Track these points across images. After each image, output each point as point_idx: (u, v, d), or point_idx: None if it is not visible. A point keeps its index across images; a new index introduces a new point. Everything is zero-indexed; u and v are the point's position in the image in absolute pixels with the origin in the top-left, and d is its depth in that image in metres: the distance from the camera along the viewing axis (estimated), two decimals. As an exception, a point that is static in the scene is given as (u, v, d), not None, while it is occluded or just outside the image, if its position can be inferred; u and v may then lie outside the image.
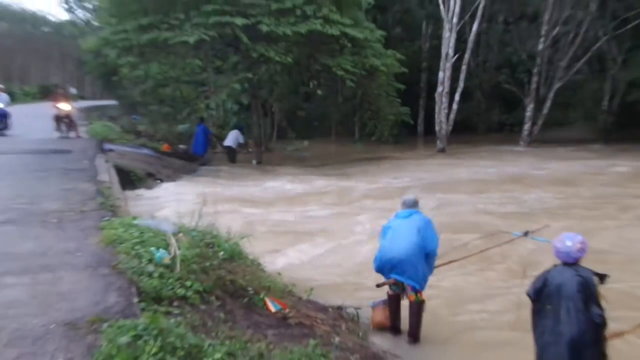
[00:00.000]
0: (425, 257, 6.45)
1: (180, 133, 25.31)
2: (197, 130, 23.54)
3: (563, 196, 14.74)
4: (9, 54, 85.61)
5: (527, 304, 5.05)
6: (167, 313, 4.79)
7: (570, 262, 4.78)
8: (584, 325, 4.57)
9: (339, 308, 7.02)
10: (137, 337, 3.98)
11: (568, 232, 4.93)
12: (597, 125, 29.92)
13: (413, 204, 6.77)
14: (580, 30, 28.14)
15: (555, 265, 4.90)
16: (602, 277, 4.71)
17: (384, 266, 6.49)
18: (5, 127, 20.81)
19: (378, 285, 6.77)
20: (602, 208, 13.32)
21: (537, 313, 4.90)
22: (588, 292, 4.59)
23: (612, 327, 4.83)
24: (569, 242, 4.78)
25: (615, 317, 4.94)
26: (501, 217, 12.26)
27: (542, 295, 4.84)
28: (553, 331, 4.71)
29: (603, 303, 4.65)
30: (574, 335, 4.58)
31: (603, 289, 4.67)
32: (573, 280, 4.64)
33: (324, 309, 6.89)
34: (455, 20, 26.93)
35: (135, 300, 4.95)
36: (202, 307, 5.31)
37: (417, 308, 6.46)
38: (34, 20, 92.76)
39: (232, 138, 22.94)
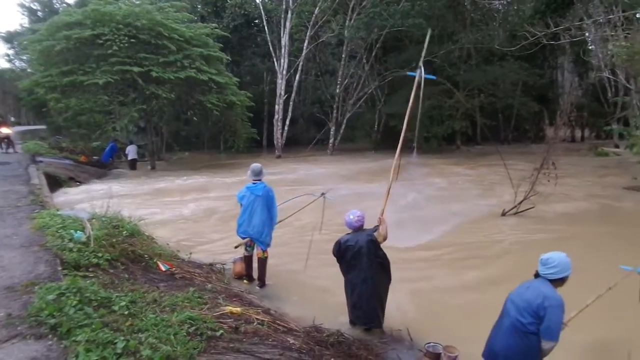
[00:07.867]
0: (270, 218, 6.52)
1: (94, 148, 23.20)
2: (108, 145, 21.82)
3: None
4: (-39, 93, 77.91)
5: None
6: (84, 277, 4.50)
7: (356, 229, 4.89)
8: (375, 265, 4.77)
9: (210, 265, 6.89)
10: (61, 294, 3.74)
11: (354, 209, 4.99)
12: (371, 140, 31.81)
13: (259, 172, 6.51)
14: (360, 81, 29.84)
15: (347, 234, 4.91)
16: (375, 228, 4.87)
17: (246, 235, 6.48)
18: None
19: (236, 247, 6.77)
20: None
21: (345, 266, 4.90)
22: (374, 245, 4.76)
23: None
24: (352, 216, 4.90)
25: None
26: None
27: (345, 255, 4.82)
28: (359, 277, 4.78)
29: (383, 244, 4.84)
30: (370, 275, 4.74)
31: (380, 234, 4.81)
32: (364, 241, 4.75)
33: (200, 266, 6.75)
34: (284, 72, 27.39)
35: (59, 268, 4.62)
36: (111, 270, 5.05)
37: (263, 262, 6.56)
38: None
39: (132, 151, 21.45)
